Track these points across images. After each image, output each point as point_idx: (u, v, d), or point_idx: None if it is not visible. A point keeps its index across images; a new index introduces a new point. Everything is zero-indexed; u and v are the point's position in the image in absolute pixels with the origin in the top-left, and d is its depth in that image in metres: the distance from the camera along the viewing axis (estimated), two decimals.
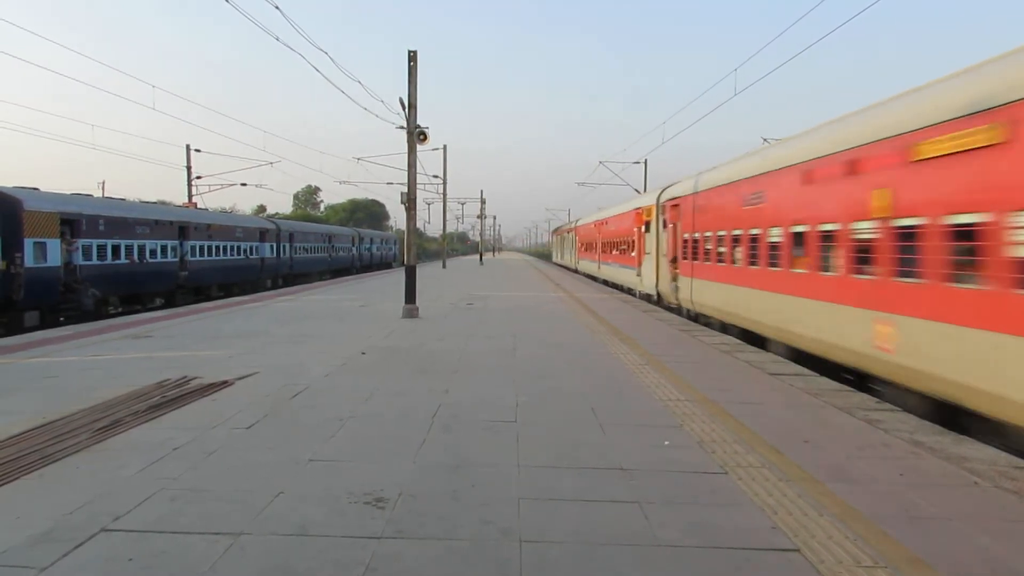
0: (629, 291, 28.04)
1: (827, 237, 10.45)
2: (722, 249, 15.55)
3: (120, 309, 25.54)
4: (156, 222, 28.11)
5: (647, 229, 24.25)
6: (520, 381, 9.37)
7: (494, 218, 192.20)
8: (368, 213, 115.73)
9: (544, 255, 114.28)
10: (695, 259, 17.85)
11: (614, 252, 32.84)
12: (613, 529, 4.53)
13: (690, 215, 18.49)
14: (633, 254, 27.19)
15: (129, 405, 7.87)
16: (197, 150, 41.53)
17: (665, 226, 21.53)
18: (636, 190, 41.70)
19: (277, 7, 14.39)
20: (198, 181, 41.40)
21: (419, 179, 19.53)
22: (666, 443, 6.46)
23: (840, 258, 10.02)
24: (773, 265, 12.55)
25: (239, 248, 36.04)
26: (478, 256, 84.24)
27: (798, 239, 11.47)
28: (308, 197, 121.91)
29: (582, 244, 48.13)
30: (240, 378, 9.46)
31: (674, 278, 20.11)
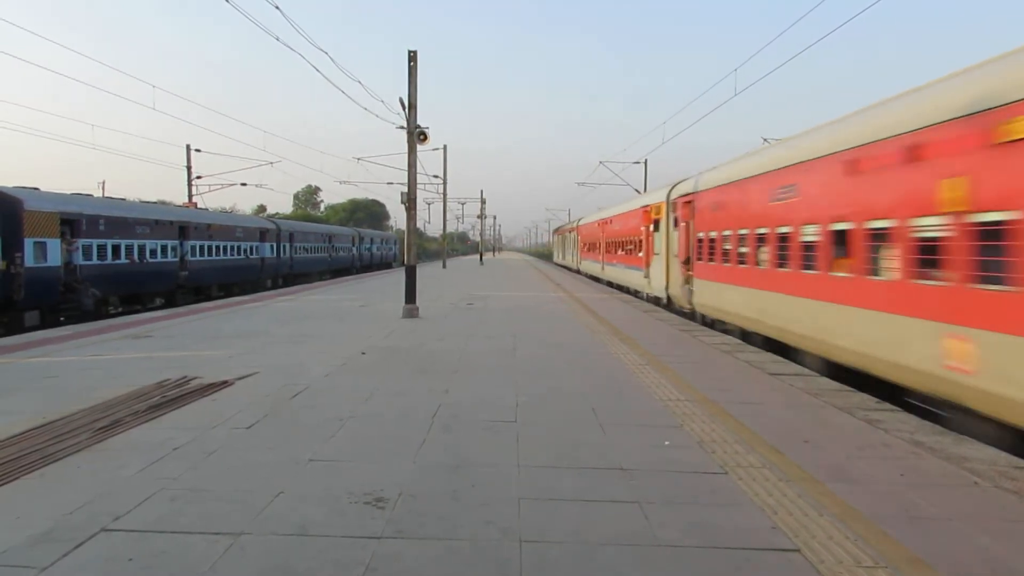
0: (635, 293, 26.98)
1: (879, 236, 9.00)
2: (744, 249, 14.21)
3: (120, 309, 25.54)
4: (156, 222, 28.12)
5: (656, 228, 23.20)
6: (520, 381, 9.37)
7: (494, 218, 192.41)
8: (368, 213, 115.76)
9: (544, 255, 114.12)
10: (711, 260, 16.58)
11: (619, 252, 31.52)
12: (613, 529, 4.52)
13: (706, 212, 17.20)
14: (640, 254, 25.99)
15: (129, 405, 7.87)
16: (197, 150, 41.59)
17: (676, 225, 20.30)
18: (636, 190, 41.72)
19: (277, 7, 14.40)
20: (198, 181, 41.46)
21: (419, 179, 19.55)
22: (666, 443, 6.46)
23: (898, 260, 8.53)
24: (808, 267, 11.12)
25: (239, 248, 36.06)
26: (478, 256, 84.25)
27: (839, 238, 10.03)
28: (308, 197, 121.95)
29: (585, 244, 46.92)
30: (240, 378, 9.46)
31: (687, 280, 18.91)
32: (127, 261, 25.63)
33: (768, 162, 13.38)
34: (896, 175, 8.70)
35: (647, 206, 24.96)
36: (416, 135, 18.16)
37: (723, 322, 15.86)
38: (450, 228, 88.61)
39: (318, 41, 20.63)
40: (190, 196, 40.77)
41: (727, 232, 15.46)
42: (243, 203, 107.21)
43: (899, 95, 9.48)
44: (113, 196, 34.70)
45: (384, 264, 70.74)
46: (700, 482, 5.44)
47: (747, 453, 6.15)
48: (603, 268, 36.98)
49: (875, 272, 9.10)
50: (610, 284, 33.61)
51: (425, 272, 39.56)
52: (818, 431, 6.89)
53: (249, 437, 6.68)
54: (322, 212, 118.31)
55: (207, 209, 41.06)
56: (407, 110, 18.04)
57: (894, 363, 8.65)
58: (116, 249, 24.97)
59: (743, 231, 14.37)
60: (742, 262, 14.41)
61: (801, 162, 11.68)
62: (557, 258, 74.25)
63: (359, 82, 18.64)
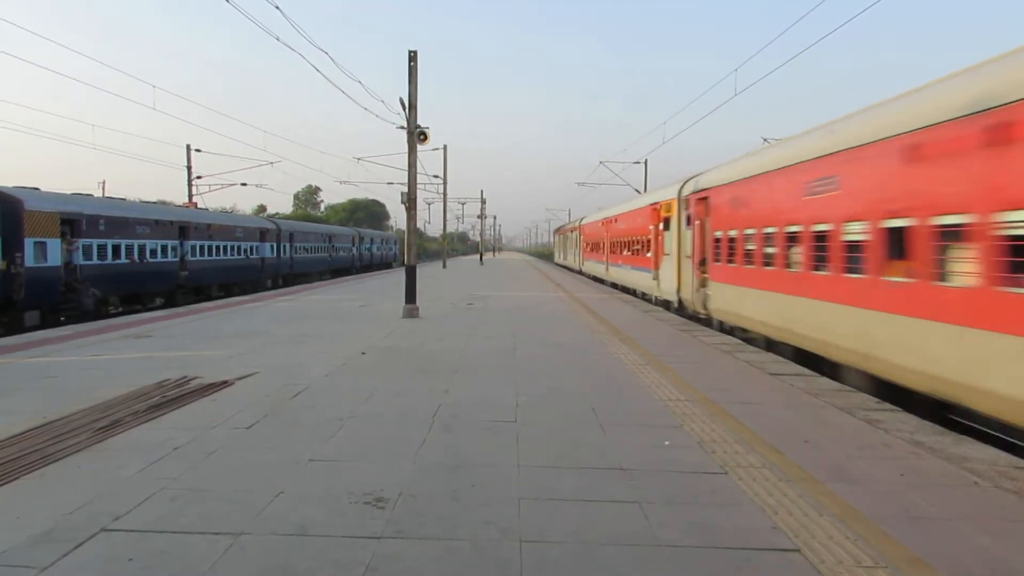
0: (643, 296, 25.29)
1: (950, 235, 7.61)
2: (771, 250, 12.75)
3: (120, 309, 25.56)
4: (156, 222, 28.14)
5: (666, 227, 21.66)
6: (520, 381, 9.37)
7: (494, 218, 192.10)
8: (368, 213, 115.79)
9: (545, 255, 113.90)
10: (731, 262, 15.12)
11: (625, 252, 29.80)
12: (613, 529, 4.52)
13: (724, 209, 15.78)
14: (649, 255, 24.29)
15: (129, 405, 7.87)
16: (197, 150, 41.63)
17: (689, 223, 18.82)
18: (636, 190, 41.73)
19: (277, 7, 14.41)
20: (198, 181, 41.50)
21: (419, 179, 19.55)
22: (666, 443, 6.46)
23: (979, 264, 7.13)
24: (853, 271, 9.70)
25: (239, 248, 36.07)
26: (478, 256, 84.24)
27: (895, 235, 8.70)
28: (308, 197, 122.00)
29: (588, 244, 44.95)
30: (240, 378, 9.46)
31: (702, 283, 17.49)
32: (127, 261, 25.65)
33: (806, 150, 11.71)
34: (984, 161, 7.10)
35: (656, 203, 23.32)
36: (416, 135, 18.17)
37: (744, 329, 14.58)
38: (450, 228, 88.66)
39: (318, 41, 20.66)
40: (190, 196, 40.81)
41: (750, 231, 13.94)
42: (243, 203, 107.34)
43: (987, 61, 7.79)
44: (113, 196, 34.77)
45: (384, 264, 70.75)
46: (700, 482, 5.44)
47: (747, 453, 6.15)
48: (607, 269, 35.42)
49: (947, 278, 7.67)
50: (615, 286, 32.25)
51: (425, 272, 39.57)
52: (818, 431, 6.89)
53: (249, 437, 6.68)
54: (322, 212, 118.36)
55: (207, 209, 41.09)
56: (407, 110, 18.05)
57: (972, 387, 7.26)
58: (116, 249, 24.99)
59: (769, 229, 12.85)
60: (768, 264, 12.95)
61: (844, 149, 10.11)
62: (558, 258, 73.37)
63: (359, 82, 18.68)
